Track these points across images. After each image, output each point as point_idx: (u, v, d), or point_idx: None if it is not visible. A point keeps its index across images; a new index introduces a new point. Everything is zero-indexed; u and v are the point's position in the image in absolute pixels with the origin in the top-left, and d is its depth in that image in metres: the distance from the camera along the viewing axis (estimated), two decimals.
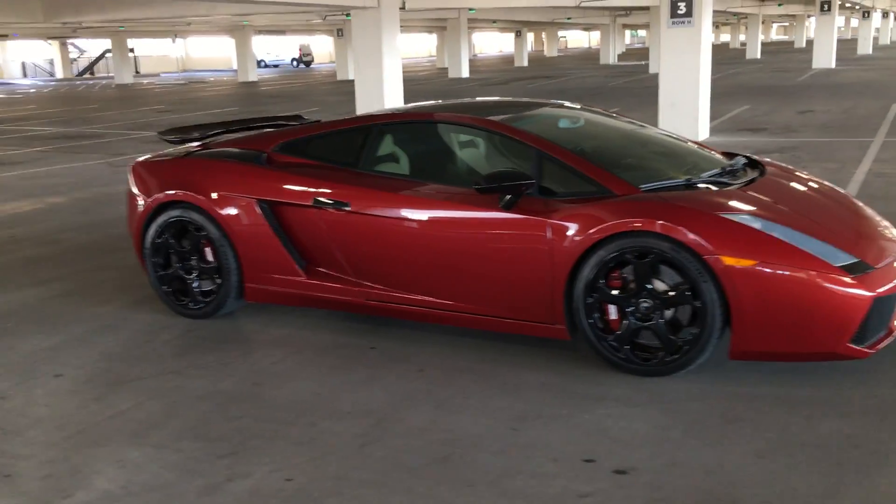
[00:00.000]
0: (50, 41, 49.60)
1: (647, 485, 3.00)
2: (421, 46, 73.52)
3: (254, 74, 37.75)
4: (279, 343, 4.58)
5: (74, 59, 53.68)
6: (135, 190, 5.18)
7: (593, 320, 3.95)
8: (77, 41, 52.22)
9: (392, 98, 14.73)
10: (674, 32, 12.50)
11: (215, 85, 36.04)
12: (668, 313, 3.83)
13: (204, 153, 5.15)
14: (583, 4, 22.31)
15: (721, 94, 20.22)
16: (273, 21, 34.44)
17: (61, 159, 13.09)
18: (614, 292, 3.88)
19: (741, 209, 3.84)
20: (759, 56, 40.99)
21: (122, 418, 3.70)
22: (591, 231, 3.86)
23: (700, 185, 4.19)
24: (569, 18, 39.56)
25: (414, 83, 31.95)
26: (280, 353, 4.42)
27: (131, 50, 48.62)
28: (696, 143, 5.16)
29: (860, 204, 4.62)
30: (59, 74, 51.37)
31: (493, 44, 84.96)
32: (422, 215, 4.34)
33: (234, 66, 37.79)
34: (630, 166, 4.45)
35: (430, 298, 4.38)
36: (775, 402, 3.61)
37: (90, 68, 53.36)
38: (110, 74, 45.57)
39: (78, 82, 44.98)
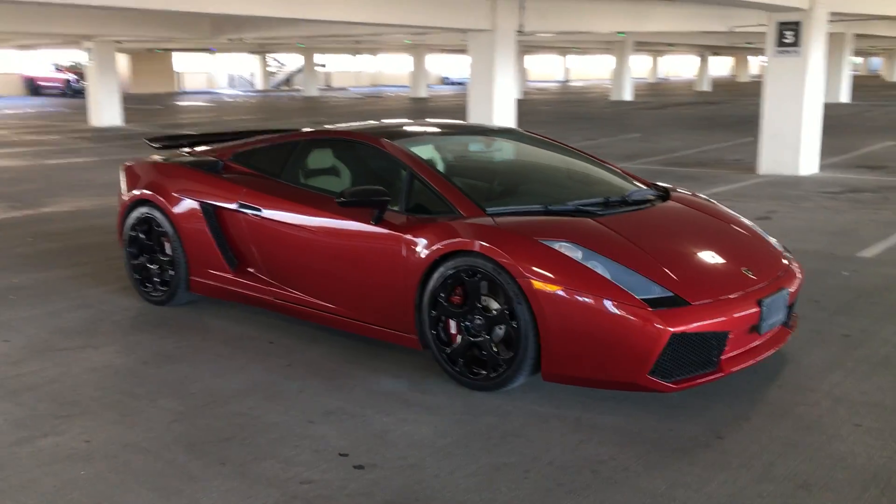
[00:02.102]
0: (253, 55, 53.67)
1: (370, 480, 3.23)
2: (606, 68, 72.85)
3: (424, 91, 39.14)
4: (200, 331, 5.09)
5: (273, 73, 57.73)
6: (122, 187, 5.90)
7: (436, 332, 4.16)
8: (277, 56, 56.15)
9: (501, 116, 15.08)
10: (779, 61, 12.05)
11: (387, 100, 37.67)
12: (500, 332, 3.98)
13: (176, 160, 5.78)
14: (735, 29, 21.62)
15: (878, 129, 18.98)
16: (449, 40, 35.59)
17: None
18: (450, 307, 4.08)
19: (565, 237, 3.93)
20: None
21: (17, 379, 4.33)
22: (432, 249, 4.09)
23: (558, 212, 4.29)
24: (749, 43, 38.09)
25: (563, 104, 32.04)
26: (190, 339, 4.92)
27: (322, 65, 51.76)
28: (626, 173, 5.19)
29: (760, 244, 4.50)
30: (259, 86, 55.47)
31: (687, 68, 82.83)
32: (311, 223, 4.72)
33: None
34: (501, 192, 4.62)
35: (319, 301, 4.74)
36: (566, 424, 3.69)
37: (287, 81, 57.22)
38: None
39: (273, 94, 48.40)
